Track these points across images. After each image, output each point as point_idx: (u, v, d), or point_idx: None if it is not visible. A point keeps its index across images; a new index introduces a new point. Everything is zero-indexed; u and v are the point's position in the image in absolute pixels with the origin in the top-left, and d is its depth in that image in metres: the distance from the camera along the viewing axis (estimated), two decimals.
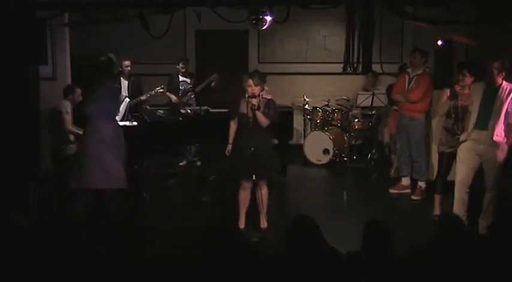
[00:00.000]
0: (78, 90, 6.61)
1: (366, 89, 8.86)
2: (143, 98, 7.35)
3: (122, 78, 7.47)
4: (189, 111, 7.50)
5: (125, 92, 7.39)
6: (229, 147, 5.61)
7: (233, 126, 5.61)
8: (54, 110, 6.62)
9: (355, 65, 5.24)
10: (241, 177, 5.54)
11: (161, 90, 7.51)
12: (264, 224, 5.63)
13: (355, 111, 8.96)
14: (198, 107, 7.49)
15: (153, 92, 7.39)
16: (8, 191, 5.23)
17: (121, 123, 6.53)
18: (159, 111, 7.46)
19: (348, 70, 5.29)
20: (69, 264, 3.21)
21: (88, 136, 5.56)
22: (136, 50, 8.44)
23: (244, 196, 5.60)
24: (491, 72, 5.23)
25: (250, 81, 5.35)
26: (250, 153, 5.29)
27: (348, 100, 9.20)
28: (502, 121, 5.24)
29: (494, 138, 5.25)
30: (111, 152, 5.47)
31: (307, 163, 8.67)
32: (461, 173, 5.51)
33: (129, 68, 7.54)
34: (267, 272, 3.16)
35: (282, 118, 6.25)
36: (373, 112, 8.61)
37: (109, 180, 5.46)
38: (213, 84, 7.90)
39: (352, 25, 5.15)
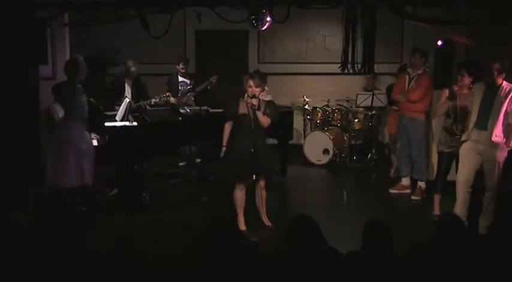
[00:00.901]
0: None
1: (366, 89, 8.88)
2: (148, 102, 7.30)
3: (126, 79, 7.45)
4: (188, 111, 7.50)
5: (128, 93, 7.38)
6: (224, 149, 5.57)
7: (227, 128, 5.58)
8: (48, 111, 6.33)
9: (355, 64, 5.26)
10: (240, 178, 5.52)
11: (167, 98, 7.53)
12: (267, 222, 5.64)
13: (359, 115, 8.96)
14: (198, 107, 7.49)
15: (158, 99, 7.36)
16: (8, 191, 5.24)
17: (121, 123, 6.53)
18: (159, 109, 7.45)
19: (346, 70, 5.30)
20: (68, 264, 3.21)
21: (49, 135, 5.60)
22: (136, 50, 8.44)
23: (241, 196, 5.56)
24: (491, 73, 5.23)
25: (251, 82, 5.35)
26: (250, 154, 5.29)
27: (347, 100, 9.20)
28: (501, 121, 5.23)
29: (493, 139, 5.25)
30: (69, 151, 5.48)
31: (307, 163, 8.67)
32: (463, 173, 5.50)
33: (133, 70, 7.51)
34: (267, 272, 3.16)
35: (282, 118, 6.25)
36: (373, 112, 8.62)
37: (68, 179, 5.49)
38: (209, 87, 7.87)
39: (352, 25, 5.16)
